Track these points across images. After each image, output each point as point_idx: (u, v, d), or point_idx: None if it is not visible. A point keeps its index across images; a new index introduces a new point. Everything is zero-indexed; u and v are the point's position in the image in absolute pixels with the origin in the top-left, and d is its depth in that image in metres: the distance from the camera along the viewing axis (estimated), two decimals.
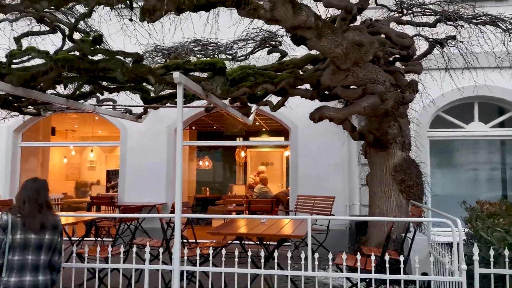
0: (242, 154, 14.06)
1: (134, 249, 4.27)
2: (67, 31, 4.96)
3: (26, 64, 4.74)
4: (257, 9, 3.86)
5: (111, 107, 7.11)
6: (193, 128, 12.29)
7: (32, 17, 5.09)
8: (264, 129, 13.16)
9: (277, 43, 6.41)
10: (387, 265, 3.84)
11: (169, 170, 8.72)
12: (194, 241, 6.82)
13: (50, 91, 5.40)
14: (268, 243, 6.37)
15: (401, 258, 3.87)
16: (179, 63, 4.67)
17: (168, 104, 6.21)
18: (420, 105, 6.70)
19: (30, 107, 6.40)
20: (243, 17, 4.48)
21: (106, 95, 5.79)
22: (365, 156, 6.60)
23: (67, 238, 6.36)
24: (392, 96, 5.56)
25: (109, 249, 4.21)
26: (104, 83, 5.17)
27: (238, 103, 5.97)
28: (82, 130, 13.99)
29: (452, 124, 7.99)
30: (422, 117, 7.71)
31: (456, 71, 6.59)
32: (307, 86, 5.65)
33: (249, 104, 5.98)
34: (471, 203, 5.47)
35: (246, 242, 6.87)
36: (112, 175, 13.69)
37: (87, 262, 4.25)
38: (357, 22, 5.61)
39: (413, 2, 5.85)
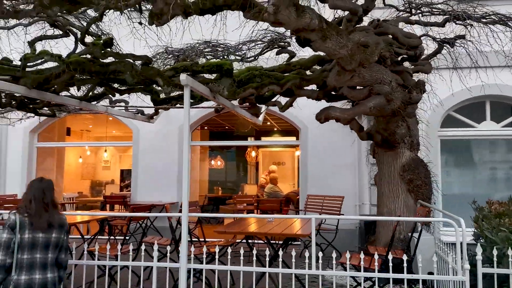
0: (253, 154, 14.09)
1: (143, 247, 4.38)
2: (79, 34, 5.11)
3: (40, 67, 4.89)
4: (262, 11, 3.92)
5: (123, 108, 7.24)
6: (205, 128, 12.38)
7: (45, 21, 5.25)
8: (275, 129, 13.18)
9: (286, 44, 6.47)
10: (390, 264, 3.89)
11: (180, 170, 8.79)
12: (203, 239, 6.92)
13: (64, 93, 5.55)
14: (276, 242, 6.43)
15: (405, 258, 3.91)
16: (187, 65, 4.76)
17: (177, 105, 6.31)
18: (428, 105, 6.68)
19: (45, 108, 6.57)
20: (250, 20, 4.54)
21: (118, 96, 5.91)
22: (373, 156, 6.61)
23: (80, 236, 6.54)
24: (398, 96, 5.56)
25: (119, 247, 4.33)
26: (115, 85, 5.30)
27: (248, 104, 6.04)
28: (96, 131, 14.22)
29: (463, 123, 7.95)
30: (433, 117, 7.67)
31: (464, 71, 6.56)
32: (313, 87, 5.70)
33: (258, 104, 6.05)
34: (483, 203, 5.43)
35: (255, 242, 6.93)
36: (125, 174, 13.91)
37: (98, 260, 4.37)
38: (365, 23, 5.64)
39: (422, 1, 5.85)
